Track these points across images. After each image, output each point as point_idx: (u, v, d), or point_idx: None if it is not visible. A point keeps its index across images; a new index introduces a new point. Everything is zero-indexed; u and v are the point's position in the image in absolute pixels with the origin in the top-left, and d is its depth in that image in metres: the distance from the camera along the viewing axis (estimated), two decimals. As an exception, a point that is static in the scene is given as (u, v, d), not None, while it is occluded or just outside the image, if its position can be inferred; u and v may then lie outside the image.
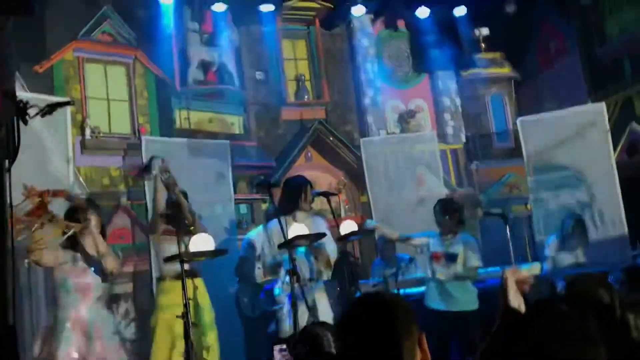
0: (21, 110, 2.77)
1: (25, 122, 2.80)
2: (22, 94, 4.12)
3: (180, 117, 7.76)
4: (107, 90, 7.38)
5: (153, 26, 7.70)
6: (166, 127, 7.62)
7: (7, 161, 2.65)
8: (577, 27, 8.89)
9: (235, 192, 7.42)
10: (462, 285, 4.95)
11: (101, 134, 7.07)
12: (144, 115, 7.52)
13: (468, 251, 4.97)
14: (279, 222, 4.15)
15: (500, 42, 9.45)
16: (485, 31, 9.49)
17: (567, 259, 5.92)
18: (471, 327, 4.78)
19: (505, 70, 9.61)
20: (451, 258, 4.94)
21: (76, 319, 3.74)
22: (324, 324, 2.66)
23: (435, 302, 4.99)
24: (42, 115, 2.88)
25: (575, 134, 7.13)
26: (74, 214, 3.83)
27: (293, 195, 4.55)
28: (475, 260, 4.99)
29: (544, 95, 9.23)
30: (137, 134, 7.30)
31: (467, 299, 4.95)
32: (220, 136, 7.82)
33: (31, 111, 2.80)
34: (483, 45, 9.48)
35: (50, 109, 2.91)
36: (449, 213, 4.99)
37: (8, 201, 2.63)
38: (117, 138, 7.24)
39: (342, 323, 1.51)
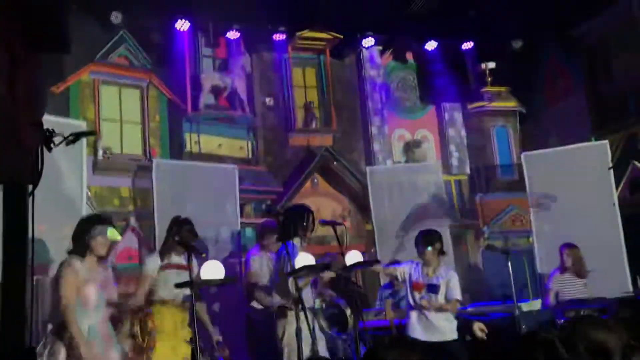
0: (47, 138, 2.91)
1: (50, 150, 2.93)
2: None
3: (191, 141, 7.92)
4: (121, 112, 7.54)
5: (168, 51, 7.91)
6: (176, 150, 7.78)
7: (30, 186, 2.79)
8: (583, 65, 9.07)
9: (241, 216, 7.53)
10: (443, 315, 4.96)
11: (113, 155, 7.20)
12: (155, 138, 7.68)
13: (450, 284, 5.02)
14: (286, 248, 4.25)
15: (506, 77, 9.63)
16: (491, 65, 9.68)
17: (568, 293, 5.98)
18: (452, 357, 4.83)
19: (511, 104, 9.78)
20: (432, 289, 4.97)
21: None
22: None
23: (416, 332, 5.02)
24: (67, 144, 2.99)
25: (578, 170, 7.25)
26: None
27: (294, 223, 4.64)
28: (456, 294, 5.04)
29: (548, 131, 9.37)
30: (147, 156, 7.44)
31: (448, 329, 5.00)
32: (228, 160, 7.97)
33: (56, 139, 2.94)
34: (489, 79, 9.66)
35: (75, 138, 3.03)
36: (431, 244, 5.05)
37: (30, 224, 2.76)
38: (128, 159, 7.38)
39: None
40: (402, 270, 5.17)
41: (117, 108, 7.53)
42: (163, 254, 4.51)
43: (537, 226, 7.34)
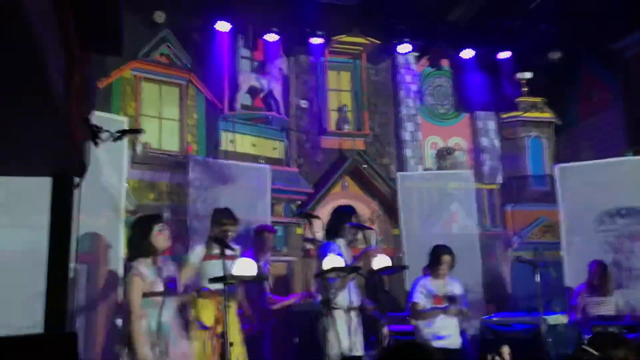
0: (95, 134, 3.07)
1: (97, 145, 3.09)
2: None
3: (226, 139, 8.08)
4: (160, 108, 7.74)
5: (207, 51, 8.08)
6: (212, 148, 7.95)
7: (77, 179, 2.95)
8: (621, 79, 8.94)
9: (272, 215, 7.68)
10: (453, 323, 5.14)
11: (151, 150, 7.40)
12: (193, 135, 7.86)
13: (460, 292, 5.20)
14: (335, 246, 4.43)
15: (542, 88, 9.56)
16: (527, 75, 9.62)
17: (594, 309, 5.95)
18: None
19: (546, 115, 9.70)
20: (452, 300, 5.13)
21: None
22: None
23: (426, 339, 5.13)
24: (114, 140, 3.15)
25: (612, 185, 7.19)
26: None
27: (336, 224, 4.78)
28: (466, 302, 5.28)
29: (582, 144, 9.28)
30: (184, 153, 7.63)
31: (455, 336, 5.11)
32: (261, 160, 8.12)
33: (103, 135, 3.10)
34: (525, 89, 9.60)
35: (121, 134, 3.18)
36: (449, 260, 5.22)
37: (76, 215, 2.92)
38: (166, 155, 7.57)
39: None
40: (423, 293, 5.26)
41: (156, 105, 7.73)
42: (208, 244, 4.61)
43: (568, 239, 7.31)
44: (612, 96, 9.13)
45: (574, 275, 7.14)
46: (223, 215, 4.65)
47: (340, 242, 4.69)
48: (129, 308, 3.76)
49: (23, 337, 2.50)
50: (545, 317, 5.18)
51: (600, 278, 5.92)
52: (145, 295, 3.74)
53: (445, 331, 5.04)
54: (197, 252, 4.54)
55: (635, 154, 7.80)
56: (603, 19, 8.14)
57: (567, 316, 5.86)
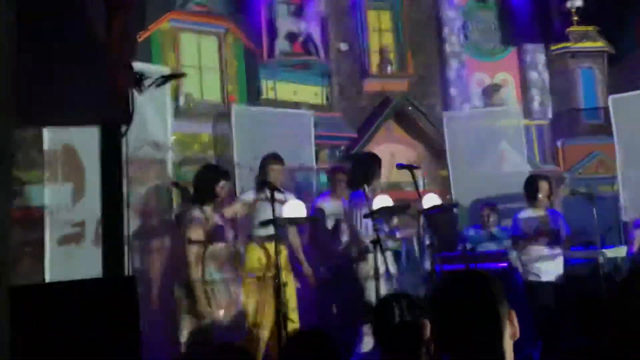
0: (138, 80, 3.05)
1: (140, 92, 3.08)
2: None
3: (267, 87, 8.02)
4: (200, 59, 7.70)
5: (244, -3, 7.93)
6: (253, 96, 7.90)
7: (123, 127, 2.96)
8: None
9: (316, 161, 7.65)
10: (553, 256, 5.06)
11: (194, 101, 7.40)
12: (233, 84, 7.81)
13: (563, 226, 5.07)
14: (363, 193, 4.32)
15: (594, 16, 9.04)
16: (578, 3, 9.12)
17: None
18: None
19: (598, 44, 9.22)
20: (554, 234, 4.96)
21: None
22: (404, 295, 2.76)
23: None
24: (157, 86, 3.13)
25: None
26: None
27: (362, 171, 4.71)
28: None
29: (638, 73, 8.81)
30: (226, 102, 7.61)
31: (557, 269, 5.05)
32: (303, 106, 8.03)
33: (146, 82, 3.08)
34: (575, 18, 9.12)
35: (163, 80, 3.15)
36: (542, 186, 5.04)
37: (124, 163, 2.94)
38: (208, 105, 7.56)
39: (440, 295, 1.57)
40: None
41: (196, 55, 7.67)
42: (257, 190, 4.73)
43: (624, 172, 7.06)
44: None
45: (630, 209, 6.93)
46: (269, 157, 4.69)
47: (366, 190, 4.61)
48: (187, 254, 3.86)
49: (84, 281, 2.57)
50: (604, 250, 5.06)
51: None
52: (202, 241, 3.84)
53: (547, 266, 4.90)
54: (246, 196, 4.60)
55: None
56: None
57: (625, 249, 5.71)
